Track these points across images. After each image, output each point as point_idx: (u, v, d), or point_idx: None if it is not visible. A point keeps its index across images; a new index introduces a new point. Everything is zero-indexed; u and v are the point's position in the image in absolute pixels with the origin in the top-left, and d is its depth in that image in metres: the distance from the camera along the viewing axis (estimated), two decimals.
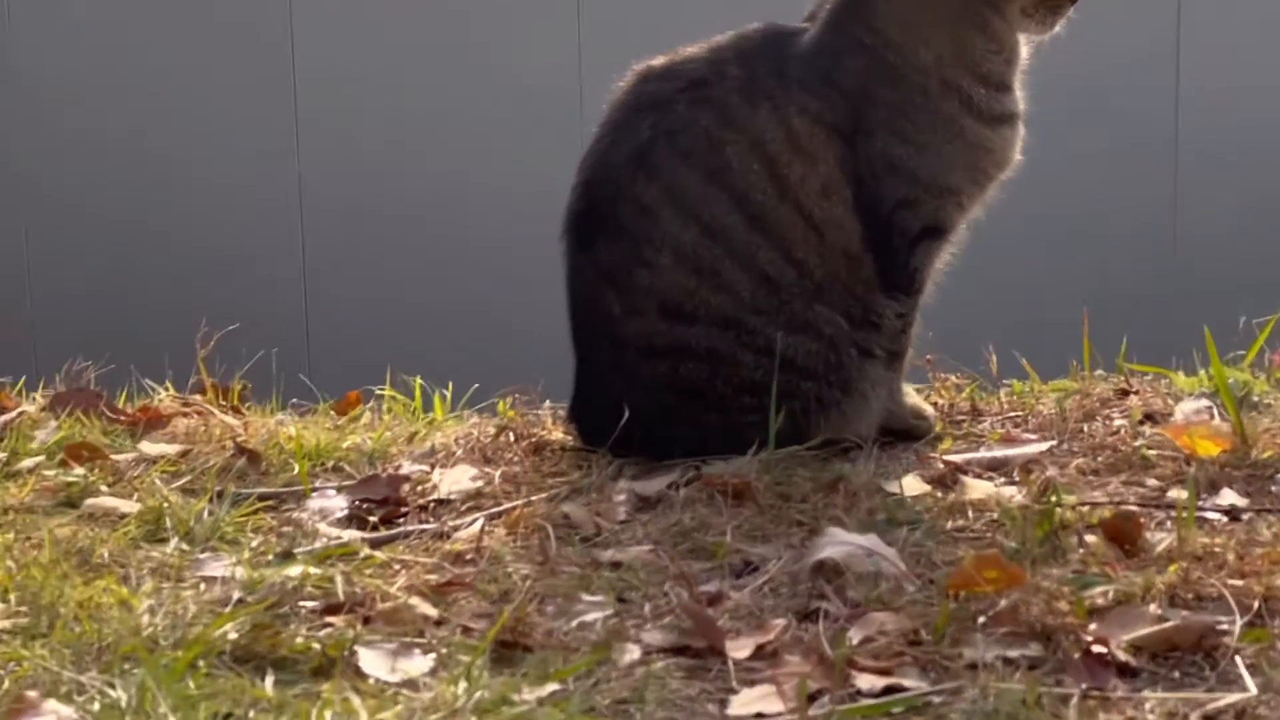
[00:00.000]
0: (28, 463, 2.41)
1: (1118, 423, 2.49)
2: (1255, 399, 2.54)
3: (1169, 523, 1.99)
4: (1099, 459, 2.29)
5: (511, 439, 2.46)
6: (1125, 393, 2.64)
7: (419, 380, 2.95)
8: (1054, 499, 1.99)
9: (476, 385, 2.93)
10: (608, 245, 2.30)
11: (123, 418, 2.56)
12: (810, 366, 2.25)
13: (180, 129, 6.46)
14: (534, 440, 2.44)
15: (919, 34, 2.28)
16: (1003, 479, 2.24)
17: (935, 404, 2.55)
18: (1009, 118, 2.31)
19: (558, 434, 2.47)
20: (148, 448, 2.44)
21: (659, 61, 2.35)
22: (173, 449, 2.45)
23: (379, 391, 2.97)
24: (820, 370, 2.26)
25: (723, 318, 2.24)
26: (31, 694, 1.64)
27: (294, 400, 2.95)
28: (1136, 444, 2.33)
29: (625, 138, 2.29)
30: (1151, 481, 2.19)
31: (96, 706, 1.62)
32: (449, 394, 2.89)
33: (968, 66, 2.27)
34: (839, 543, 1.89)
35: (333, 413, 2.87)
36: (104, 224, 6.46)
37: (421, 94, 6.53)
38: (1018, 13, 2.27)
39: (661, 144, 2.26)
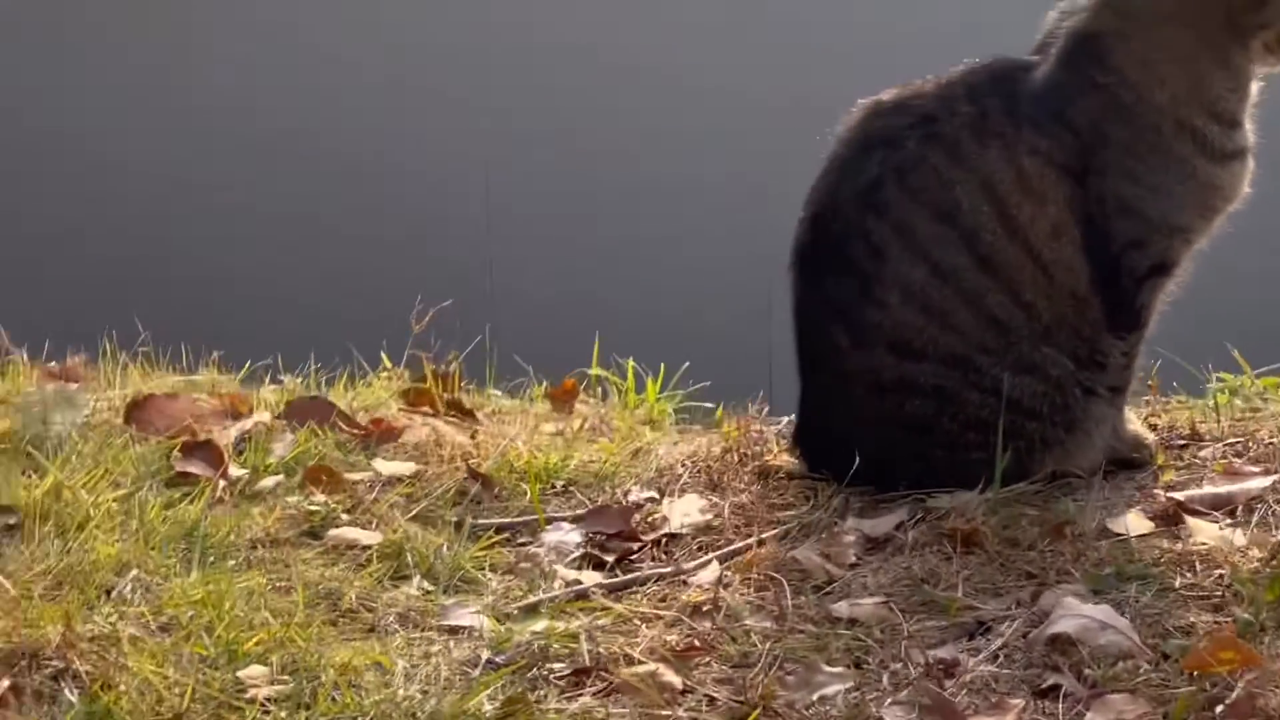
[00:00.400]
0: (268, 482, 2.52)
1: None
2: None
3: None
4: None
5: (737, 460, 2.52)
6: None
7: (631, 363, 3.06)
8: None
9: (687, 363, 3.05)
10: (836, 281, 2.35)
11: (356, 431, 2.65)
12: (1035, 407, 2.30)
13: (369, 125, 6.79)
14: (760, 465, 2.50)
15: (1156, 72, 2.29)
16: (1228, 520, 2.25)
17: (1154, 426, 2.56)
18: (1240, 153, 2.33)
19: (783, 458, 2.52)
20: (382, 466, 2.55)
21: (889, 95, 2.39)
22: (406, 468, 2.55)
23: (590, 373, 3.09)
24: (1045, 411, 2.30)
25: (950, 356, 2.29)
26: None
27: (513, 379, 3.08)
28: None
29: (854, 173, 2.33)
30: None
31: None
32: (659, 378, 3.01)
33: (1203, 105, 2.29)
34: (1073, 614, 1.95)
35: (550, 401, 2.99)
36: (299, 217, 6.84)
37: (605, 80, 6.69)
38: (1260, 48, 2.28)
39: (891, 181, 2.31)
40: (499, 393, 3.18)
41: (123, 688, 2.00)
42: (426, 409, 2.88)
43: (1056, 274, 2.30)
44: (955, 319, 2.29)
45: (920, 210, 2.30)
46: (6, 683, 2.04)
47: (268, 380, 3.10)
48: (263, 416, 2.75)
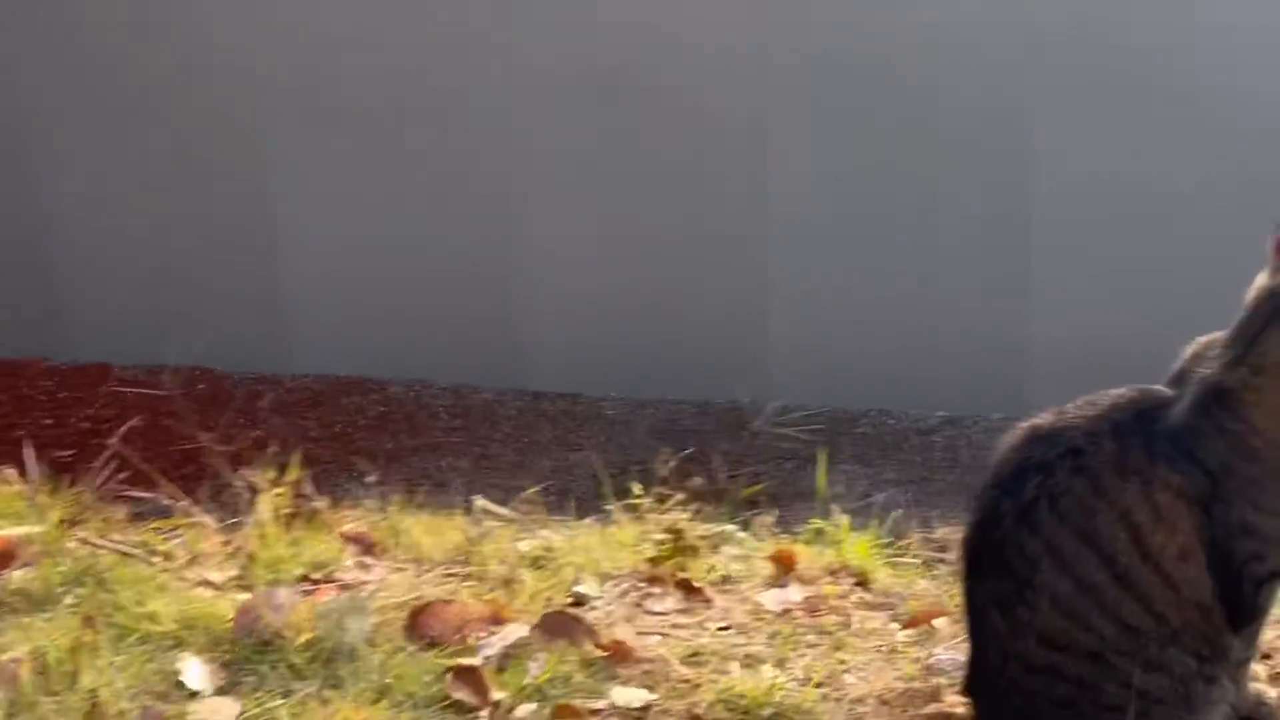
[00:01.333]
0: (521, 711, 2.89)
1: None
2: None
3: None
4: None
5: (920, 699, 2.89)
6: None
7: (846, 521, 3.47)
8: None
9: None
10: (996, 579, 2.71)
11: (598, 649, 3.06)
12: (1162, 698, 2.64)
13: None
14: (938, 708, 2.86)
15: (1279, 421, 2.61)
16: None
17: None
18: None
19: (953, 698, 2.89)
20: (618, 695, 2.92)
21: (1045, 421, 2.72)
22: (639, 697, 2.91)
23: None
24: (1171, 700, 2.65)
25: (1090, 653, 2.64)
26: None
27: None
28: None
29: (1014, 491, 2.68)
30: None
31: None
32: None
33: None
34: None
35: (772, 564, 3.41)
36: None
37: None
38: None
39: (1043, 504, 2.65)
40: (734, 528, 3.62)
41: None
42: (657, 584, 3.31)
43: (1183, 589, 2.63)
44: (1094, 624, 2.63)
45: (1067, 532, 2.64)
46: None
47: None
48: (520, 630, 3.10)
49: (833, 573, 3.37)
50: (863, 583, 3.35)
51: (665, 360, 7.10)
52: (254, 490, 3.63)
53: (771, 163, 7.06)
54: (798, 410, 6.33)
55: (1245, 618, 2.69)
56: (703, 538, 3.50)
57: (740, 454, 3.64)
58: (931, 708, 2.90)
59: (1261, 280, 2.69)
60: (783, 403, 6.50)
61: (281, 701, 2.96)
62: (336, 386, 7.27)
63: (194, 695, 3.01)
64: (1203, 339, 2.75)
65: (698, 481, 3.76)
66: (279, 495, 3.62)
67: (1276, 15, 6.49)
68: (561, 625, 3.11)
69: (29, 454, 3.88)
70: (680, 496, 3.65)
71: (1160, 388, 2.74)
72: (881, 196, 6.86)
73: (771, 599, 3.26)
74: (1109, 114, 6.61)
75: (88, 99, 7.60)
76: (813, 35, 6.88)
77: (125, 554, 3.45)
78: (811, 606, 3.23)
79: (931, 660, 3.01)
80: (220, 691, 3.02)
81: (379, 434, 6.52)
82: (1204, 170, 6.50)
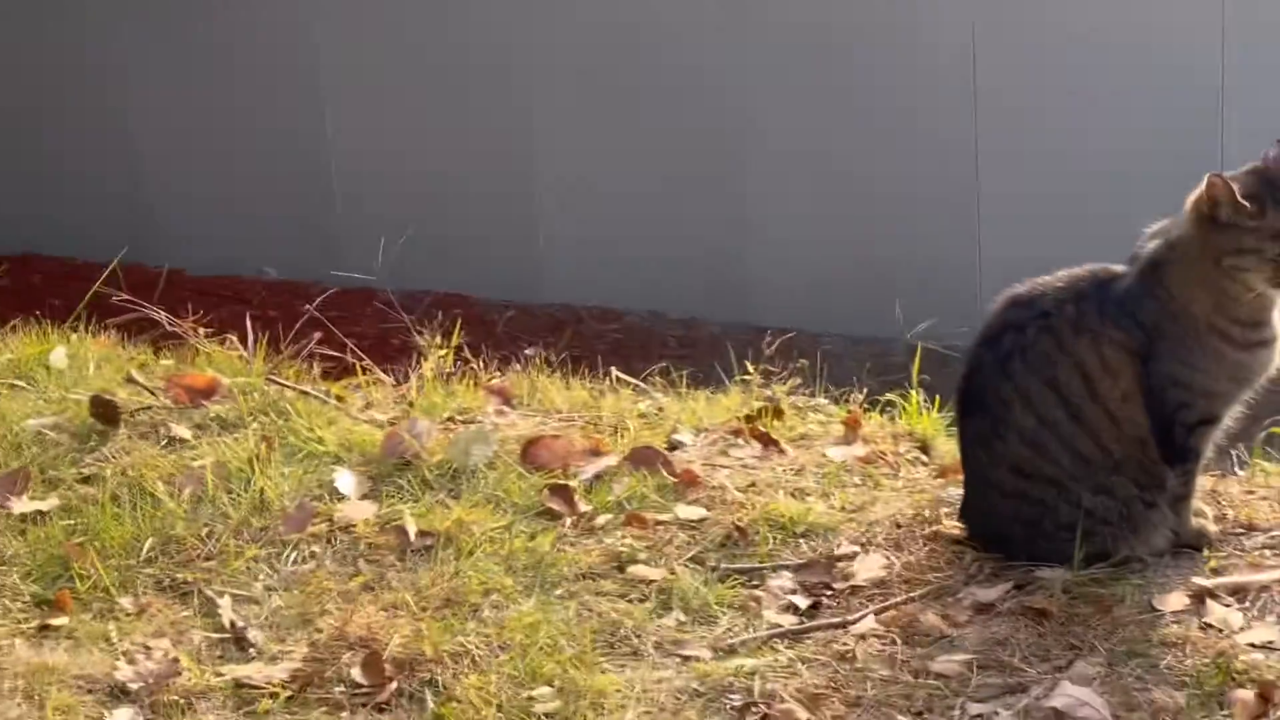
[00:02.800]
0: (601, 519, 3.49)
1: None
2: None
3: None
4: None
5: (922, 522, 3.46)
6: None
7: (915, 394, 4.04)
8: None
9: None
10: (978, 418, 3.32)
11: (672, 477, 3.63)
12: (1108, 518, 3.23)
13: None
14: (935, 530, 3.42)
15: (1191, 293, 3.17)
16: (1238, 605, 3.11)
17: (1224, 516, 3.40)
18: (1264, 343, 3.18)
19: (950, 523, 3.42)
20: (681, 511, 3.50)
21: (1023, 289, 3.31)
22: (697, 513, 3.49)
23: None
24: (1115, 520, 3.24)
25: (1049, 479, 3.24)
26: None
27: None
28: None
29: (994, 347, 3.28)
30: None
31: None
32: None
33: (1224, 314, 3.15)
34: (1065, 694, 2.87)
35: (844, 427, 3.95)
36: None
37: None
38: (1244, 285, 3.12)
39: (1016, 357, 3.25)
40: (825, 401, 4.21)
41: (458, 699, 2.97)
42: (742, 437, 3.88)
43: (1125, 426, 3.22)
44: (1053, 454, 3.24)
45: (1033, 379, 3.23)
46: (395, 685, 3.03)
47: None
48: (612, 460, 3.69)
49: (896, 437, 3.91)
50: (924, 447, 3.88)
51: (880, 300, 7.48)
52: (421, 354, 4.32)
53: (981, 118, 7.55)
54: None
55: (1179, 456, 3.26)
56: (795, 407, 4.08)
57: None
58: (932, 529, 3.45)
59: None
60: None
61: (411, 505, 3.60)
62: (578, 314, 7.92)
63: (343, 499, 3.66)
64: (1161, 223, 3.30)
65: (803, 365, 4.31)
66: (442, 358, 4.32)
67: None
68: (645, 457, 3.71)
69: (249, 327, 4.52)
70: (788, 377, 4.22)
71: (1118, 266, 3.30)
72: None
73: (836, 452, 3.81)
74: None
75: (369, 51, 8.37)
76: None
77: (306, 393, 4.08)
78: (868, 459, 3.78)
79: (943, 495, 3.55)
80: (364, 497, 3.67)
81: (611, 358, 7.07)
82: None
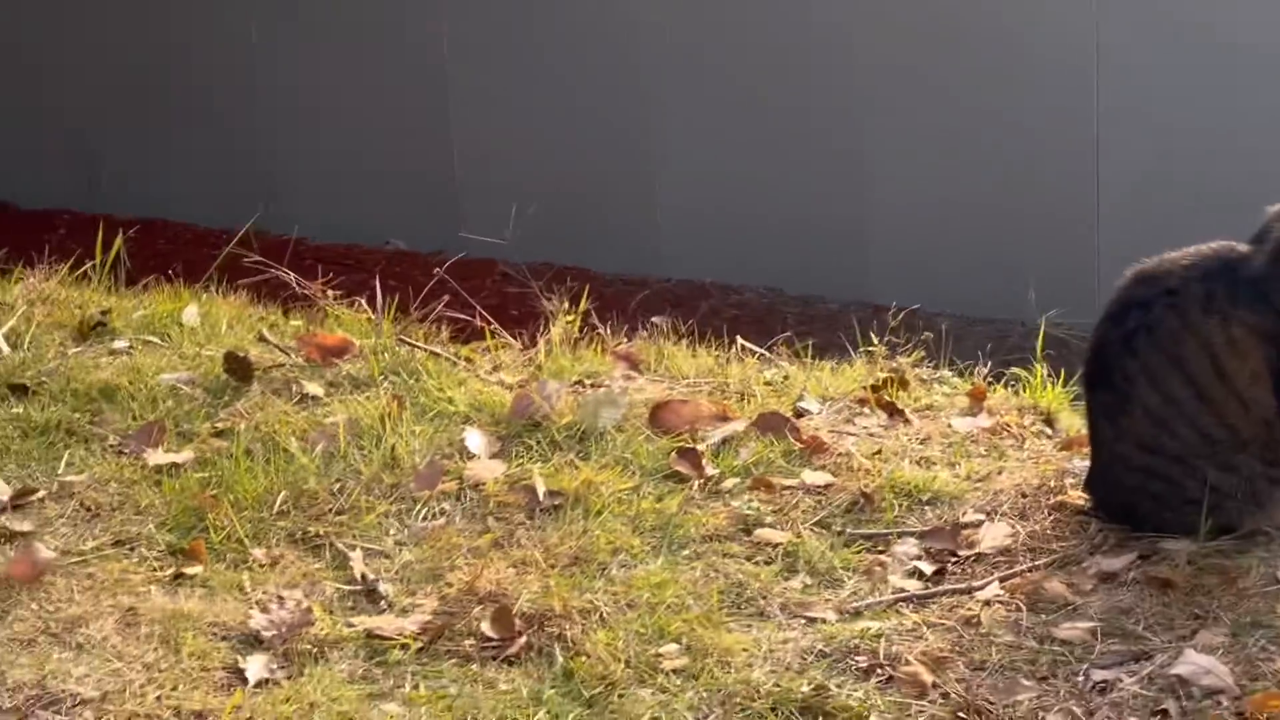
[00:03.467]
0: (728, 483, 3.56)
1: None
2: None
3: None
4: None
5: (1047, 491, 3.51)
6: None
7: (1040, 368, 4.10)
8: None
9: None
10: (1104, 393, 3.36)
11: (799, 442, 3.70)
12: (1233, 493, 3.26)
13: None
14: (1060, 499, 3.47)
15: None
16: None
17: None
18: None
19: (1076, 494, 3.47)
20: (808, 476, 3.56)
21: (1149, 266, 3.35)
22: (823, 479, 3.55)
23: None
24: (1240, 496, 3.26)
25: (1175, 456, 3.28)
26: None
27: None
28: None
29: (1120, 323, 3.32)
30: None
31: None
32: None
33: None
34: (1189, 662, 2.92)
35: (968, 399, 3.99)
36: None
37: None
38: None
39: (1142, 334, 3.28)
40: (949, 374, 4.26)
41: (586, 654, 3.02)
42: (868, 406, 3.93)
43: (1252, 407, 3.24)
44: (1178, 431, 3.27)
45: (1159, 356, 3.27)
46: (524, 639, 3.09)
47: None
48: (739, 425, 3.76)
49: (1021, 410, 3.95)
50: (1049, 420, 3.92)
51: (999, 281, 7.53)
52: (547, 320, 4.42)
53: (1101, 105, 7.55)
54: None
55: None
56: (920, 379, 4.14)
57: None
58: (1057, 499, 3.50)
59: None
60: None
61: (540, 465, 3.68)
62: (697, 290, 7.98)
63: (472, 458, 3.74)
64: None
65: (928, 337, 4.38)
66: (569, 323, 4.41)
67: None
68: (773, 423, 3.78)
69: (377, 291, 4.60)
70: (912, 351, 4.30)
71: (1243, 245, 3.33)
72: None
73: (961, 423, 3.86)
74: None
75: (494, 29, 8.45)
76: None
77: (436, 354, 4.18)
78: (994, 431, 3.83)
79: (1069, 467, 3.60)
80: (493, 456, 3.75)
81: (731, 332, 7.09)
82: None
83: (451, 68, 8.64)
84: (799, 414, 3.92)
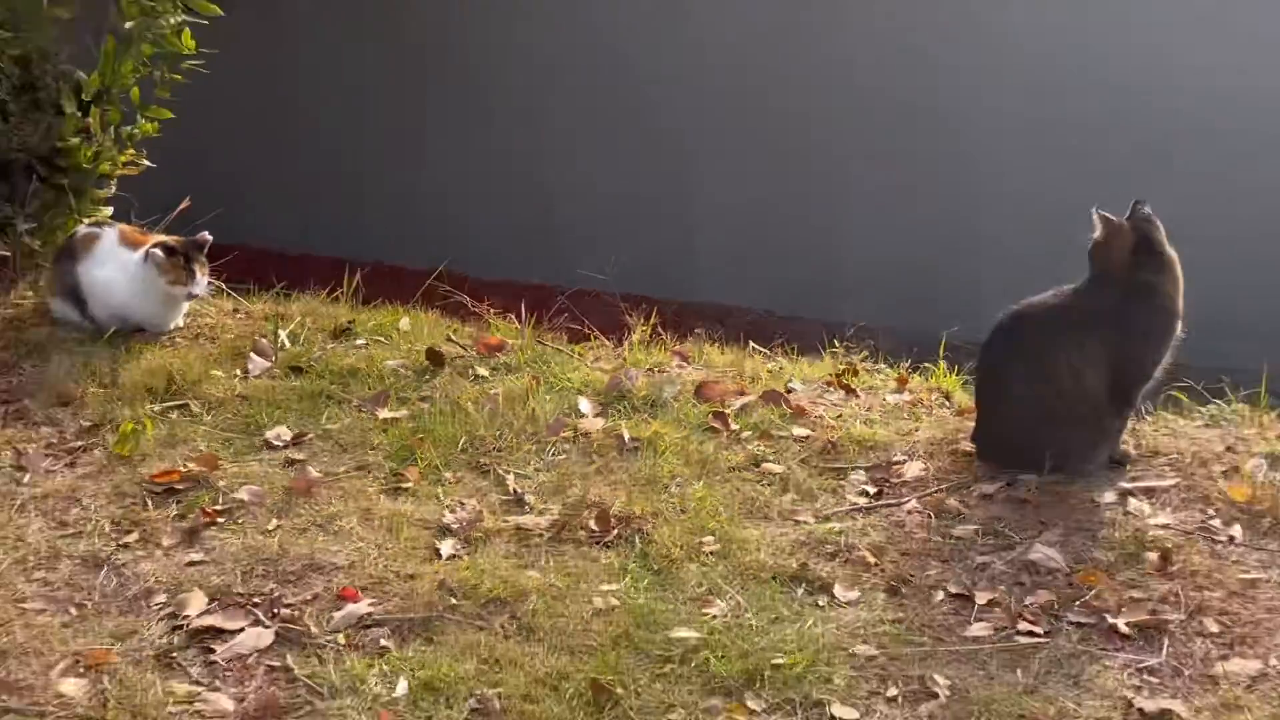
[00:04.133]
0: (745, 435, 3.56)
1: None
2: None
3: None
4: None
5: (948, 441, 3.51)
6: None
7: (942, 366, 4.13)
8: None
9: None
10: (989, 383, 3.34)
11: (788, 408, 3.70)
12: (1068, 448, 3.26)
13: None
14: (956, 447, 3.47)
15: (1169, 289, 3.23)
16: (1148, 500, 3.19)
17: (1139, 445, 3.42)
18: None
19: (966, 444, 3.46)
20: (795, 430, 3.58)
21: (1022, 304, 3.30)
22: (805, 432, 3.56)
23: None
24: (1081, 448, 3.27)
25: (1033, 423, 3.26)
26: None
27: None
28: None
29: (1006, 336, 3.30)
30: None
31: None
32: None
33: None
34: (1036, 550, 2.99)
35: (895, 383, 4.00)
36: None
37: None
38: None
39: (1018, 345, 3.28)
40: (885, 366, 4.24)
41: (655, 541, 3.09)
42: (833, 386, 3.93)
43: (1088, 395, 3.21)
44: (1037, 409, 3.24)
45: (1030, 360, 3.24)
46: (615, 531, 3.12)
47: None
48: (751, 398, 3.75)
49: (930, 390, 3.95)
50: (948, 397, 3.92)
51: (920, 305, 6.94)
52: (630, 329, 4.47)
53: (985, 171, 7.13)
54: None
55: (1124, 408, 3.29)
56: (865, 369, 4.15)
57: None
58: (952, 448, 3.51)
59: (1098, 237, 3.27)
60: None
61: (626, 421, 3.70)
62: (721, 309, 7.82)
63: (582, 416, 3.76)
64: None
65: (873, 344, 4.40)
66: (643, 330, 4.46)
67: None
68: (772, 397, 3.79)
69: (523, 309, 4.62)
70: (860, 352, 4.31)
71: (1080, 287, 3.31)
72: None
73: (892, 398, 3.87)
74: None
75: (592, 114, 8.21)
76: None
77: (559, 350, 4.21)
78: (913, 403, 3.84)
79: (960, 427, 3.60)
80: (595, 416, 3.77)
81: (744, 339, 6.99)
82: None
83: (556, 141, 8.27)
84: (789, 391, 3.91)
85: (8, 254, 4.50)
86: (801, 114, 7.49)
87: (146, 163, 4.71)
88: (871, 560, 3.04)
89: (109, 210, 4.63)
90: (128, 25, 4.48)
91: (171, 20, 4.46)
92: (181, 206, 4.74)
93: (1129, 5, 6.65)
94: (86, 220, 4.46)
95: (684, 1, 7.73)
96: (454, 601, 2.89)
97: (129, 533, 3.17)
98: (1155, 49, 6.54)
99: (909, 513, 3.23)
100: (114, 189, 4.68)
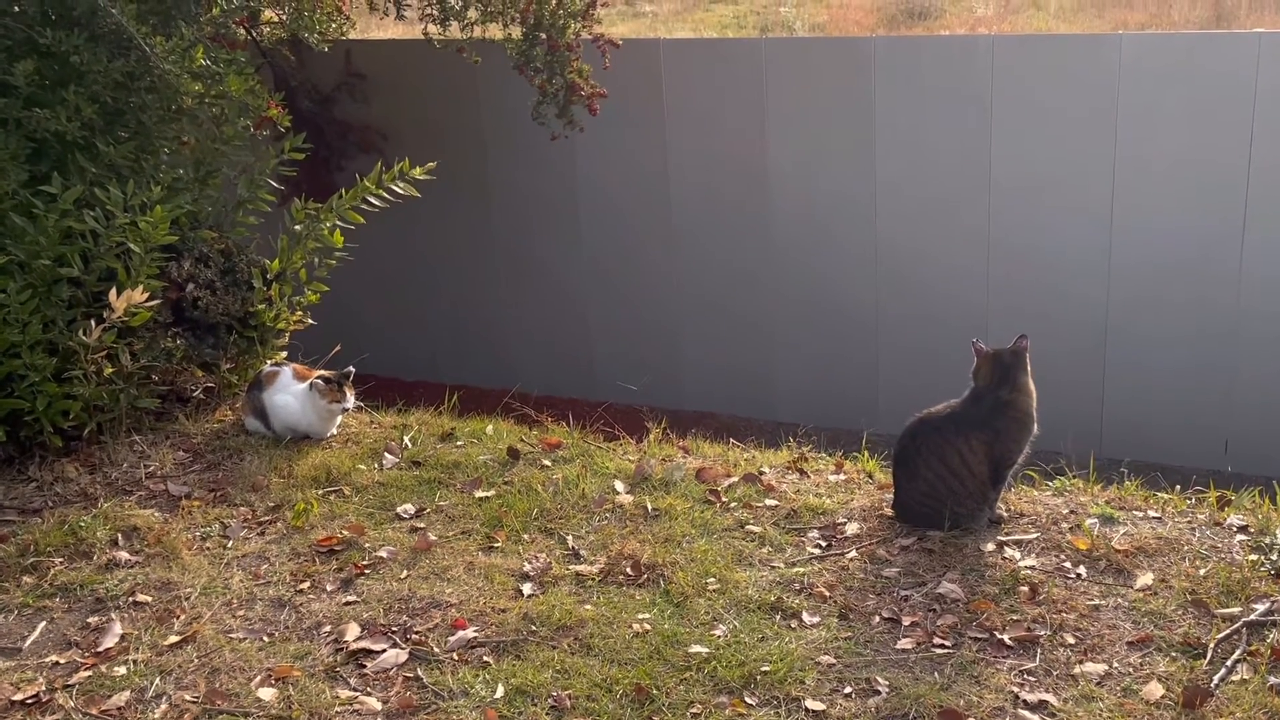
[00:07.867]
0: (732, 505, 3.45)
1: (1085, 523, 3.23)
2: None
3: None
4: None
5: (878, 509, 3.43)
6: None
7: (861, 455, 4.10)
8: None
9: None
10: (903, 467, 3.23)
11: (761, 486, 3.62)
12: (963, 513, 3.18)
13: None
14: (881, 513, 3.37)
15: (1022, 400, 3.13)
16: (1019, 549, 3.14)
17: (1010, 508, 3.34)
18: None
19: (890, 511, 3.39)
20: (768, 502, 3.47)
21: (925, 412, 3.20)
22: (773, 504, 3.45)
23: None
24: (970, 512, 3.18)
25: (937, 496, 3.17)
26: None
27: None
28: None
29: (913, 437, 3.19)
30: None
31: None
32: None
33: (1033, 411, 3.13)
34: (946, 583, 2.92)
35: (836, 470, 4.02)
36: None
37: None
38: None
39: (923, 442, 3.18)
40: (826, 454, 4.22)
41: (674, 582, 3.00)
42: (791, 469, 3.83)
43: (976, 473, 3.14)
44: (939, 488, 3.15)
45: (932, 453, 3.16)
46: (645, 576, 3.00)
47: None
48: (735, 478, 3.65)
49: (859, 471, 3.86)
50: (871, 476, 3.81)
51: (848, 408, 6.96)
52: (647, 431, 4.44)
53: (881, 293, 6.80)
54: None
55: (998, 483, 3.21)
56: (812, 457, 4.05)
57: None
58: (879, 513, 3.41)
59: (976, 364, 3.18)
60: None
61: (648, 497, 3.59)
62: (706, 415, 7.74)
63: (617, 493, 3.65)
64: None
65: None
66: (656, 432, 4.41)
67: None
68: (751, 478, 3.68)
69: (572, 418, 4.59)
70: (809, 444, 4.26)
71: (965, 399, 3.25)
72: None
73: (833, 477, 3.76)
74: None
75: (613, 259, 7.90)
76: None
77: (599, 447, 4.11)
78: (848, 481, 3.74)
79: (884, 498, 3.50)
80: (627, 493, 3.65)
81: (722, 436, 6.85)
82: None
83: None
84: (761, 474, 3.81)
85: (213, 386, 4.54)
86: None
87: (310, 321, 4.76)
88: (827, 594, 2.98)
89: (284, 354, 4.66)
90: (296, 227, 4.55)
91: (327, 224, 4.54)
92: (334, 351, 4.79)
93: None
94: (269, 361, 4.49)
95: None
96: (534, 628, 2.85)
97: (303, 582, 3.14)
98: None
99: (851, 560, 3.16)
100: (288, 339, 4.71)
